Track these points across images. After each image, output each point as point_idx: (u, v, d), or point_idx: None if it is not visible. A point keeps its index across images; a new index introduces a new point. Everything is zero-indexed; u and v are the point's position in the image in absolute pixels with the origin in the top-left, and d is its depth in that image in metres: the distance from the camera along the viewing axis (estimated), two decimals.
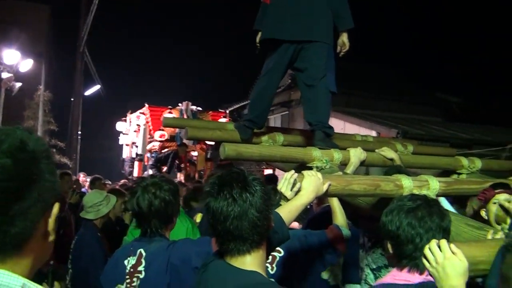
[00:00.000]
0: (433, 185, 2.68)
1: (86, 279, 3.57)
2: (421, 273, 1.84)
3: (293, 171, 2.30)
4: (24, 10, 23.42)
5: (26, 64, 13.18)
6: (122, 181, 9.97)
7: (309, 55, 3.73)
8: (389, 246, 1.97)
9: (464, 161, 3.98)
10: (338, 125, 11.53)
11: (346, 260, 3.28)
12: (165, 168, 10.40)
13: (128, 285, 2.28)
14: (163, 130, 10.77)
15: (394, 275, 1.93)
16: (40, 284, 0.99)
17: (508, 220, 2.60)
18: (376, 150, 3.66)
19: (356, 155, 3.32)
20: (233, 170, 1.65)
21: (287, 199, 2.21)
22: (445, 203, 2.90)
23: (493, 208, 2.81)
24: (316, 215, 3.71)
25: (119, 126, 12.89)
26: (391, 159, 3.55)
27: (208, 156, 11.52)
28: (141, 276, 2.27)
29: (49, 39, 25.91)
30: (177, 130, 10.29)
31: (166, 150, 10.98)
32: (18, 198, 0.93)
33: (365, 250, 3.09)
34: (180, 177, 10.40)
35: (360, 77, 15.79)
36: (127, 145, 12.77)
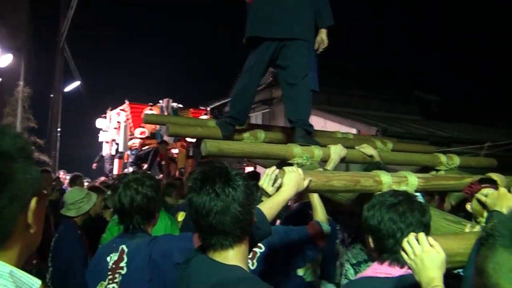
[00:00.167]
0: (412, 181, 2.72)
1: (66, 276, 3.53)
2: (401, 267, 1.86)
3: (274, 167, 2.31)
4: (2, 3, 22.90)
5: (5, 59, 12.90)
6: (102, 178, 9.87)
7: (290, 53, 3.75)
8: (370, 240, 1.99)
9: (443, 158, 4.03)
10: (319, 123, 11.58)
11: (324, 256, 3.31)
12: (145, 166, 10.34)
13: (110, 281, 2.27)
14: (143, 127, 10.68)
15: (375, 269, 1.95)
16: None
17: (485, 214, 2.65)
18: (356, 147, 3.70)
19: (336, 152, 3.35)
20: (216, 165, 1.66)
21: (268, 195, 2.22)
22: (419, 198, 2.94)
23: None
24: (292, 212, 3.73)
25: (99, 123, 12.75)
26: (371, 156, 3.59)
27: (190, 153, 11.46)
28: (123, 272, 2.27)
29: (29, 34, 25.37)
30: (157, 127, 10.23)
31: (146, 147, 10.91)
32: None
33: (345, 246, 3.12)
34: (160, 176, 10.35)
35: (341, 75, 15.93)
36: (107, 142, 12.62)
